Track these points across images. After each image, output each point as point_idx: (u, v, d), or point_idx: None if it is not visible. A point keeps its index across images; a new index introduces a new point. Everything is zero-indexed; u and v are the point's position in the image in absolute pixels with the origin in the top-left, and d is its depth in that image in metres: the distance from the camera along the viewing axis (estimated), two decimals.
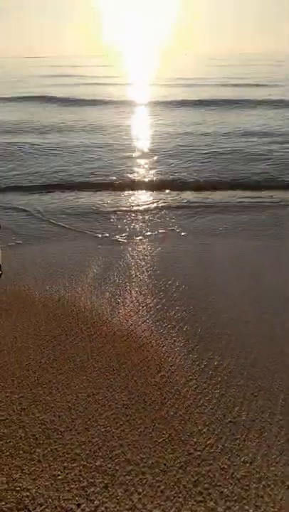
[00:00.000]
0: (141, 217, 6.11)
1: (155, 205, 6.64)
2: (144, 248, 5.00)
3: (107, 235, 5.44)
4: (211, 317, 3.58)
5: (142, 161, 9.33)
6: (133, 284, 4.14)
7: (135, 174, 8.35)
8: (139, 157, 9.70)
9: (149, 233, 5.48)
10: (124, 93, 23.74)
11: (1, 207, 6.45)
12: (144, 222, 5.91)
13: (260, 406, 2.61)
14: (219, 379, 2.85)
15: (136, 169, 8.70)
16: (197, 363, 3.01)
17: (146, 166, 8.90)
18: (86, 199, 6.93)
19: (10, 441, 2.32)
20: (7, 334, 3.30)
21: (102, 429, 2.41)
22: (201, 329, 3.41)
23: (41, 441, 2.33)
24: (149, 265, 4.54)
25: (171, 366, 2.97)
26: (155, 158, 9.53)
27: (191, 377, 2.87)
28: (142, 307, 3.73)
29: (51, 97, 20.76)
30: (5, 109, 17.55)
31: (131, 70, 51.14)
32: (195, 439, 2.36)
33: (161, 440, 2.35)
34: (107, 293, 3.96)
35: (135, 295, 3.93)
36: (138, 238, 5.32)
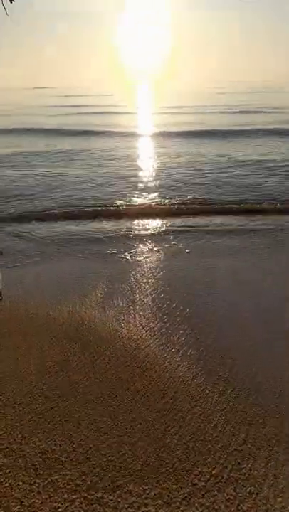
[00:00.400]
0: (145, 240, 6.14)
1: (160, 229, 6.69)
2: (147, 271, 5.00)
3: (111, 258, 5.46)
4: (215, 341, 3.53)
5: (146, 189, 9.48)
6: (137, 307, 4.12)
7: (139, 201, 8.47)
8: (143, 185, 9.85)
9: (153, 256, 5.50)
10: (126, 123, 24.14)
11: (6, 233, 6.54)
12: (148, 245, 5.94)
13: (266, 433, 2.54)
14: (224, 405, 2.79)
15: (140, 196, 8.82)
16: (201, 388, 2.96)
17: (151, 194, 9.02)
18: (88, 226, 7.00)
19: (9, 472, 2.27)
20: (10, 359, 3.27)
21: (104, 459, 2.35)
22: (205, 354, 3.36)
23: (41, 472, 2.27)
24: (152, 288, 4.53)
25: (174, 392, 2.92)
26: (160, 186, 9.67)
27: (195, 403, 2.81)
28: (146, 331, 3.70)
29: (53, 128, 20.97)
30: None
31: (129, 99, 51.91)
32: (199, 469, 2.29)
33: (164, 470, 2.29)
34: (111, 317, 3.94)
35: (139, 319, 3.91)
36: (142, 261, 5.33)
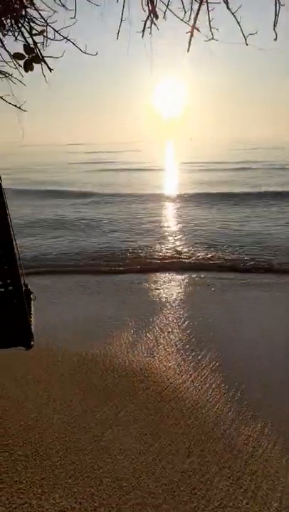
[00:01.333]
0: (174, 290, 6.14)
1: (186, 281, 6.70)
2: (174, 320, 4.95)
3: (138, 307, 5.46)
4: (244, 397, 3.38)
5: (175, 247, 9.64)
6: (162, 358, 4.04)
7: (172, 258, 8.60)
8: (174, 243, 10.02)
9: (181, 306, 5.46)
10: (152, 182, 22.91)
11: (40, 283, 6.70)
12: (174, 295, 5.93)
13: None
14: (254, 468, 2.61)
15: (172, 253, 8.97)
16: (230, 448, 2.80)
17: (181, 252, 9.16)
18: (116, 277, 7.11)
19: None
20: (34, 408, 3.23)
21: None
22: (233, 410, 3.21)
23: None
24: (177, 339, 4.46)
25: (201, 451, 2.77)
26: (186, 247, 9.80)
27: (223, 464, 2.65)
28: (171, 383, 3.59)
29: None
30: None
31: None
32: None
33: None
34: (135, 367, 3.87)
35: (164, 369, 3.81)
36: (170, 309, 5.29)
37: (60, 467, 2.61)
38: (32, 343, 2.10)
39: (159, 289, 6.17)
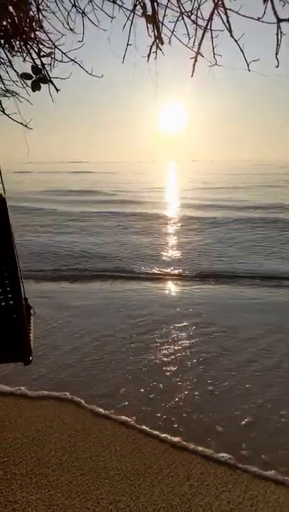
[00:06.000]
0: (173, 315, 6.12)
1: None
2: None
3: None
4: (244, 416, 3.32)
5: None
6: (168, 374, 4.00)
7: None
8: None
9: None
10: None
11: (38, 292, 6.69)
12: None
13: None
14: (255, 493, 2.54)
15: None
16: (230, 472, 2.73)
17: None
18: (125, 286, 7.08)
19: None
20: (31, 427, 3.18)
21: None
22: (233, 435, 3.15)
23: None
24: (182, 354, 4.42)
25: (201, 474, 2.71)
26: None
27: (223, 488, 2.58)
28: (172, 406, 3.54)
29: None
30: None
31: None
32: None
33: None
34: (135, 389, 3.82)
35: (162, 390, 3.76)
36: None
37: (56, 487, 2.55)
38: (30, 358, 2.09)
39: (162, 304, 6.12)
